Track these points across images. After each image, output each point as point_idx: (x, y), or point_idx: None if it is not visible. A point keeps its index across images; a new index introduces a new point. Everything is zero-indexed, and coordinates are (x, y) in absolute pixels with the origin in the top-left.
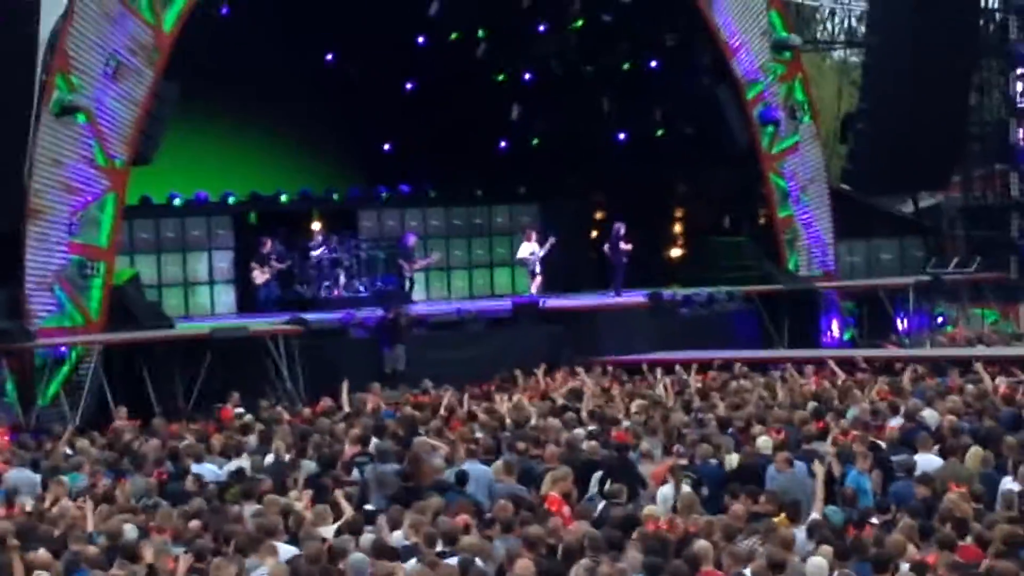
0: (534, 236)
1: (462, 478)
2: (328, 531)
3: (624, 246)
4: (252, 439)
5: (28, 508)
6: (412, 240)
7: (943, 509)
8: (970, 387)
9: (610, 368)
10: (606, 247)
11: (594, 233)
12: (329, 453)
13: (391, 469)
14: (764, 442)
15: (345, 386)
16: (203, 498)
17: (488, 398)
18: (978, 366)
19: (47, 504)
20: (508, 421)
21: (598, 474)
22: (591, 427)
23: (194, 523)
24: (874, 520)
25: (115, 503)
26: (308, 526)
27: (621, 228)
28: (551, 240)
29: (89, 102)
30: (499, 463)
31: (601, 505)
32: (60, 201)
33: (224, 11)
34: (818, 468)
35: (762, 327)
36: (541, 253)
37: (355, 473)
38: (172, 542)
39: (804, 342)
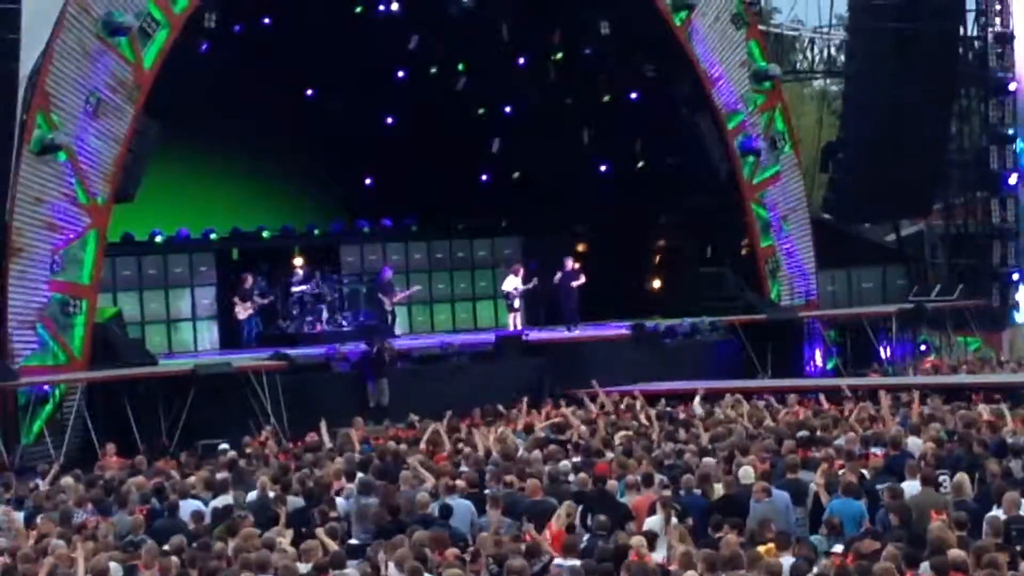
0: (521, 271)
1: (446, 512)
2: (306, 567)
3: (576, 282)
4: (236, 475)
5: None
6: (389, 274)
7: (932, 537)
8: (961, 413)
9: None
10: (557, 278)
11: (576, 265)
12: (314, 488)
13: (373, 502)
14: (745, 472)
15: (323, 426)
16: (190, 535)
17: (472, 431)
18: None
19: (32, 542)
20: (493, 454)
21: (579, 507)
22: (576, 459)
23: (176, 560)
24: (862, 549)
25: (99, 541)
26: (291, 562)
27: (569, 262)
28: (535, 280)
29: (70, 140)
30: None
31: (586, 538)
32: (42, 239)
33: (204, 48)
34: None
35: (745, 357)
36: (523, 289)
37: (340, 507)
38: None
39: (787, 372)
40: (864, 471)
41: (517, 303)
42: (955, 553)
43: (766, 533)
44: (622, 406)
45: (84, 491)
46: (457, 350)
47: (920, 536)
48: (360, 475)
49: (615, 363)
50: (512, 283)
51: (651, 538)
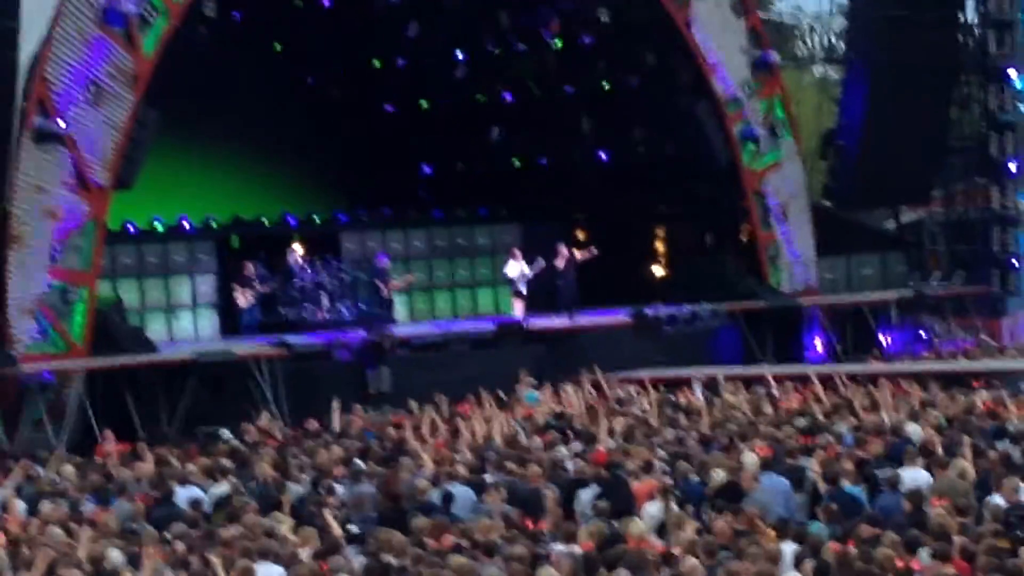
0: (520, 255)
1: (447, 499)
2: (306, 553)
3: (579, 256)
4: (237, 462)
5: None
6: (385, 261)
7: (932, 523)
8: (960, 400)
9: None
10: (560, 263)
11: (577, 254)
12: (314, 475)
13: (367, 490)
14: (748, 459)
15: (336, 405)
16: (190, 522)
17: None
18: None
19: (34, 529)
20: (495, 440)
21: (590, 492)
22: (576, 445)
23: (179, 546)
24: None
25: (99, 528)
26: (293, 548)
27: (564, 249)
28: (540, 261)
29: (70, 128)
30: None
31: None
32: (41, 227)
33: (203, 36)
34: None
35: (745, 344)
36: (530, 274)
37: (339, 494)
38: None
39: (788, 358)
40: (863, 455)
41: (524, 289)
42: (956, 540)
43: (752, 522)
44: (619, 392)
45: (83, 479)
46: (458, 337)
47: (920, 522)
48: (355, 461)
49: (615, 350)
50: (515, 268)
51: (659, 528)
